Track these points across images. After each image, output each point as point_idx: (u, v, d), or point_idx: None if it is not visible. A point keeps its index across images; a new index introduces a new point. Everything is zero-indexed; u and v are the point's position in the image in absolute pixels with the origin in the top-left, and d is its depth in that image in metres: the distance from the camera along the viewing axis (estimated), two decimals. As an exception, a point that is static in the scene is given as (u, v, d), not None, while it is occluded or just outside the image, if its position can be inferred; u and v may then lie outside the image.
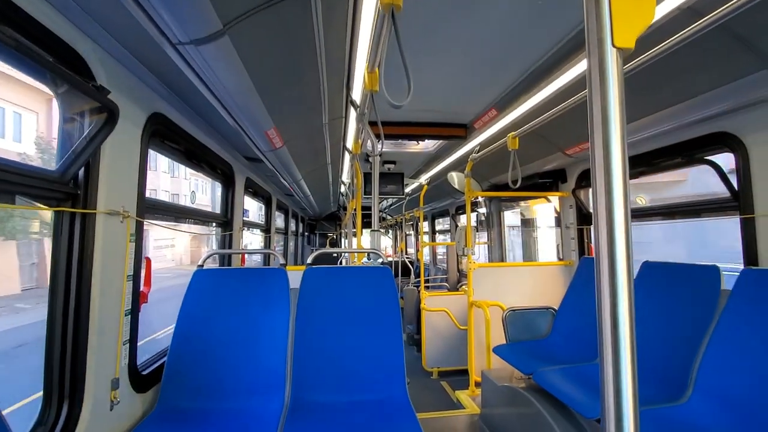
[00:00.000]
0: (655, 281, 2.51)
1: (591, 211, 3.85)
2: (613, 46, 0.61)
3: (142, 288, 1.93)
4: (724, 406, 1.80)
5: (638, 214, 3.27)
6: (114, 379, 1.68)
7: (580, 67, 2.26)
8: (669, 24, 1.69)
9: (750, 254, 2.22)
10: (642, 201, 3.55)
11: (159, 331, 8.37)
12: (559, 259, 4.24)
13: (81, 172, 1.54)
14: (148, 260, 1.99)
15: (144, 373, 2.01)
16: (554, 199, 4.30)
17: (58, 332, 1.49)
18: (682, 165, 2.76)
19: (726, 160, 2.43)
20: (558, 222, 4.28)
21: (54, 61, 1.37)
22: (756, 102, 2.08)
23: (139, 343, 1.93)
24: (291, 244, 9.21)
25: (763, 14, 1.54)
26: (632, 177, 3.22)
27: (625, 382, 0.61)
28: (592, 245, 3.92)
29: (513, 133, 2.89)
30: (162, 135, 2.21)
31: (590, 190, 3.86)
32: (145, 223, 1.94)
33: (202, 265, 2.29)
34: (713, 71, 1.95)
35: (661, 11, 1.68)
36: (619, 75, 0.61)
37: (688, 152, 2.64)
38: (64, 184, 1.47)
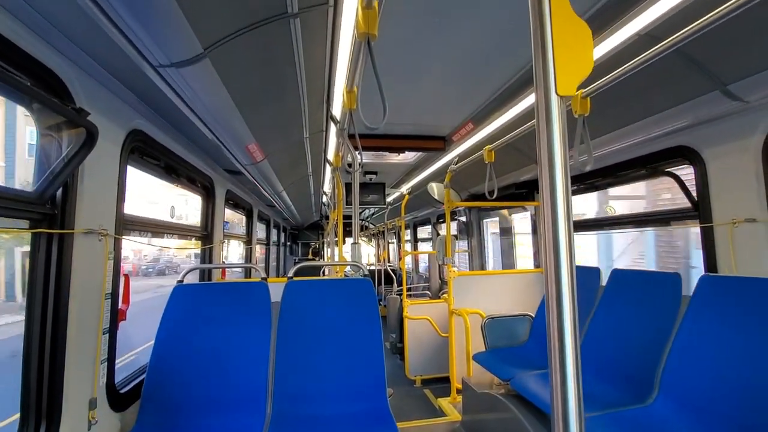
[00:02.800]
0: (623, 288, 2.63)
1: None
2: (556, 93, 0.69)
3: (120, 306, 1.92)
4: (687, 406, 1.90)
5: (607, 223, 3.41)
6: (92, 398, 1.66)
7: None
8: (630, 48, 1.81)
9: (710, 261, 2.35)
10: (611, 211, 3.71)
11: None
12: (536, 266, 4.36)
13: (59, 191, 1.54)
14: (127, 277, 1.98)
15: (122, 391, 1.99)
16: (531, 207, 4.43)
17: (35, 352, 1.48)
18: (646, 177, 2.91)
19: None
20: (534, 230, 4.41)
21: (32, 84, 1.38)
22: (712, 119, 2.23)
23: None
24: (273, 254, 9.13)
25: (714, 40, 1.67)
26: (600, 188, 3.38)
27: (571, 388, 0.67)
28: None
29: (489, 146, 3.00)
30: (141, 151, 2.21)
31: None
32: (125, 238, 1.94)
33: (182, 281, 2.28)
34: (672, 90, 2.09)
35: (622, 36, 1.81)
36: (562, 116, 0.69)
37: (652, 165, 2.79)
38: (42, 205, 1.47)
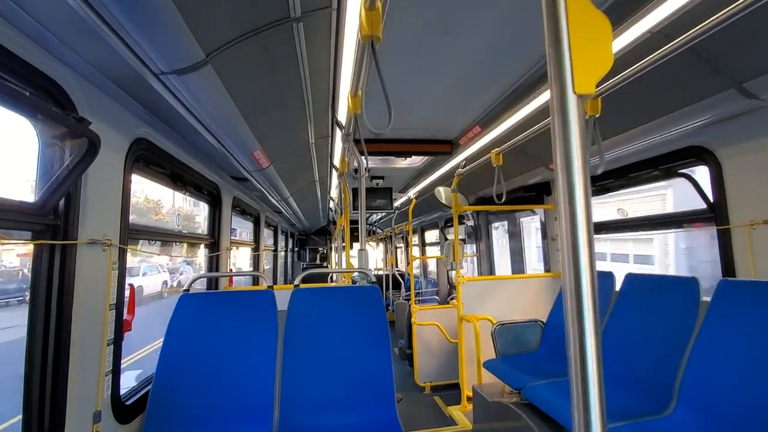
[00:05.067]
0: (638, 293, 2.55)
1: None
2: (574, 92, 0.64)
3: (125, 316, 1.90)
4: (708, 417, 1.83)
5: (619, 226, 3.34)
6: (96, 411, 1.64)
7: None
8: (643, 46, 1.76)
9: (727, 265, 2.27)
10: (623, 213, 3.63)
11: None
12: (546, 271, 4.28)
13: (61, 202, 1.53)
14: (132, 287, 1.96)
15: (128, 403, 1.96)
16: (540, 211, 4.36)
17: (38, 365, 1.46)
18: (659, 178, 2.84)
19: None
20: (544, 234, 4.34)
21: (32, 94, 1.37)
22: (727, 117, 2.16)
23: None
24: (280, 260, 9.14)
25: (728, 37, 1.62)
26: (612, 189, 3.30)
27: (593, 398, 0.63)
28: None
29: (497, 149, 2.95)
30: (146, 160, 2.20)
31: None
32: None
33: (188, 289, 2.26)
34: (685, 89, 2.03)
35: (634, 33, 1.76)
36: (580, 117, 0.64)
37: (665, 166, 2.72)
38: (44, 216, 1.45)
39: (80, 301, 1.56)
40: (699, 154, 2.43)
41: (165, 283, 14.74)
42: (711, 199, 2.40)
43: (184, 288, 2.27)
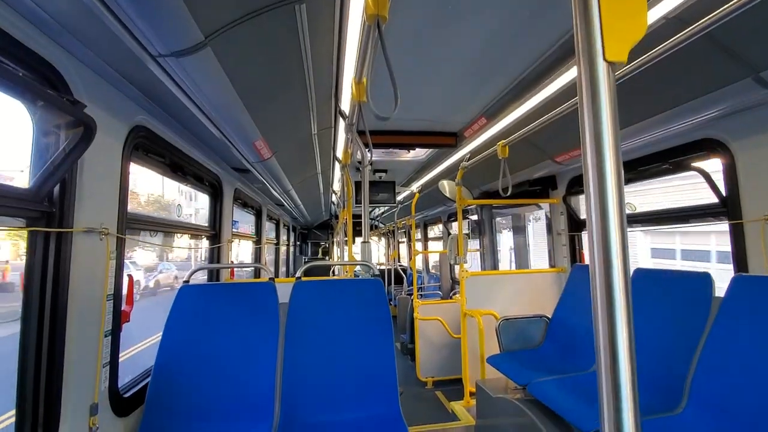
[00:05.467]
0: (648, 288, 2.50)
1: (582, 217, 3.86)
2: (605, 60, 0.58)
3: (123, 307, 1.86)
4: (719, 415, 1.78)
5: (629, 220, 3.27)
6: (93, 404, 1.61)
7: (567, 75, 2.26)
8: (656, 33, 1.70)
9: (740, 260, 2.22)
10: (632, 207, 3.57)
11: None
12: (551, 266, 4.23)
13: (56, 188, 1.48)
14: (131, 278, 1.92)
15: (126, 395, 1.93)
16: (545, 205, 4.30)
17: (32, 356, 1.42)
18: (670, 171, 2.77)
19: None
20: (549, 229, 4.28)
21: (25, 75, 1.32)
22: (741, 109, 2.10)
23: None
24: (282, 254, 9.11)
25: (745, 24, 1.55)
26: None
27: (625, 393, 0.58)
28: (584, 252, 3.92)
29: (503, 141, 2.89)
30: (145, 148, 2.15)
31: (581, 197, 3.86)
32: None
33: (188, 281, 2.22)
34: (700, 79, 1.97)
35: (648, 19, 1.69)
36: (611, 89, 0.59)
37: (677, 159, 2.65)
38: (38, 202, 1.41)
39: (76, 291, 1.52)
40: (711, 147, 2.36)
41: (138, 283, 14.27)
42: (723, 193, 2.33)
43: (184, 279, 2.23)
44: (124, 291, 1.91)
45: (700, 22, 1.38)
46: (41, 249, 1.45)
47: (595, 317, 0.61)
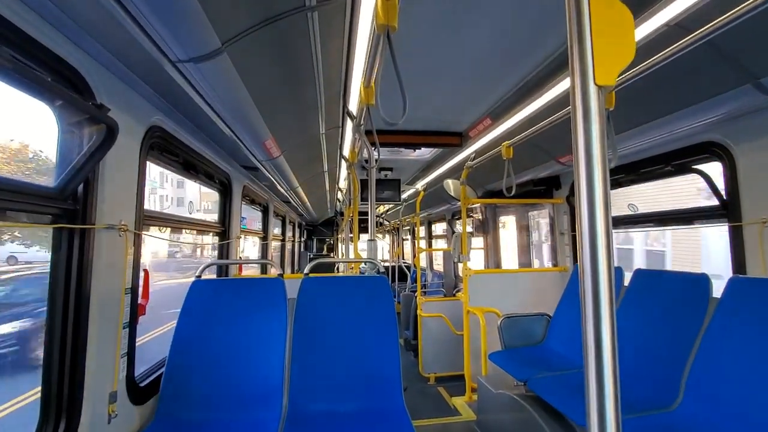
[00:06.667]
0: (647, 288, 2.55)
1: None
2: (595, 84, 0.65)
3: (140, 300, 1.94)
4: (714, 411, 1.83)
5: (630, 221, 3.31)
6: (112, 392, 1.69)
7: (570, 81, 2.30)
8: (659, 39, 1.74)
9: (738, 262, 2.26)
10: (633, 209, 3.60)
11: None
12: (554, 265, 4.27)
13: (80, 187, 1.56)
14: (146, 272, 2.00)
15: (142, 384, 2.02)
16: (549, 205, 4.34)
17: (57, 346, 1.50)
18: (672, 174, 2.81)
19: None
20: (552, 228, 4.32)
21: (52, 81, 1.39)
22: (743, 113, 2.13)
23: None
24: (288, 250, 9.21)
25: (745, 32, 1.59)
26: (624, 185, 3.28)
27: (608, 390, 0.64)
28: None
29: (507, 142, 2.94)
30: (160, 147, 2.23)
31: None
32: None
33: (200, 276, 2.30)
34: (701, 84, 2.01)
35: (650, 26, 1.74)
36: (600, 108, 0.65)
37: (678, 161, 2.69)
38: (63, 201, 1.48)
39: (98, 284, 1.60)
40: (713, 150, 2.40)
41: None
42: (724, 196, 2.37)
43: (196, 274, 2.31)
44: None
45: (701, 29, 1.42)
46: (66, 245, 1.53)
47: (583, 319, 0.67)
